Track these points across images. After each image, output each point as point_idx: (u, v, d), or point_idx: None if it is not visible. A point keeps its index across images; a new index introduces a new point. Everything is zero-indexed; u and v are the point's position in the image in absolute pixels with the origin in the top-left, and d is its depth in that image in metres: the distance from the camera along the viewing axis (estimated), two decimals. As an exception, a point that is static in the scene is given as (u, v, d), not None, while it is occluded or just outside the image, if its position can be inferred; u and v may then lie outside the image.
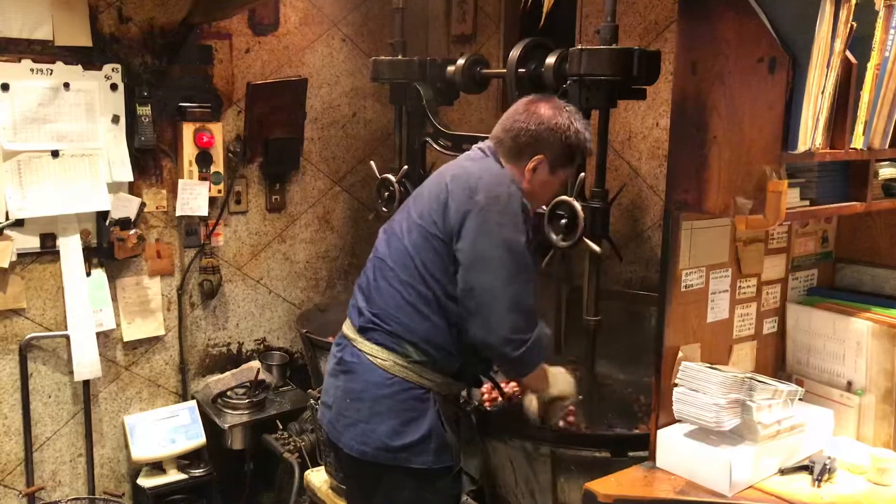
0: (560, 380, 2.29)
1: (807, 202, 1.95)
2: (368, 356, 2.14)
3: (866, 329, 2.15)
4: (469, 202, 2.05)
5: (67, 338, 3.27)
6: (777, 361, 2.39)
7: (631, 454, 2.21)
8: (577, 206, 2.44)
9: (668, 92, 2.90)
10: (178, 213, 3.44)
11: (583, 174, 2.48)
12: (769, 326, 2.35)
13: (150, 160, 3.41)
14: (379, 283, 2.17)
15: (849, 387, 2.20)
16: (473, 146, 2.31)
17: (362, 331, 2.17)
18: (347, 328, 2.24)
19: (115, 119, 3.28)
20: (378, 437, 2.09)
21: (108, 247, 3.31)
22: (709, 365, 2.00)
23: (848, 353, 2.20)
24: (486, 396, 2.62)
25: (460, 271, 2.04)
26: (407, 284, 2.11)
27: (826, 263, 2.48)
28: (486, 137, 2.91)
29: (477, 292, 2.02)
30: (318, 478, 3.01)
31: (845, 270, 2.46)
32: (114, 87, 3.26)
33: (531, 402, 2.32)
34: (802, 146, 1.76)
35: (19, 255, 3.16)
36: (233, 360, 3.76)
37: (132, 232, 3.31)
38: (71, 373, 3.29)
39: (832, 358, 2.24)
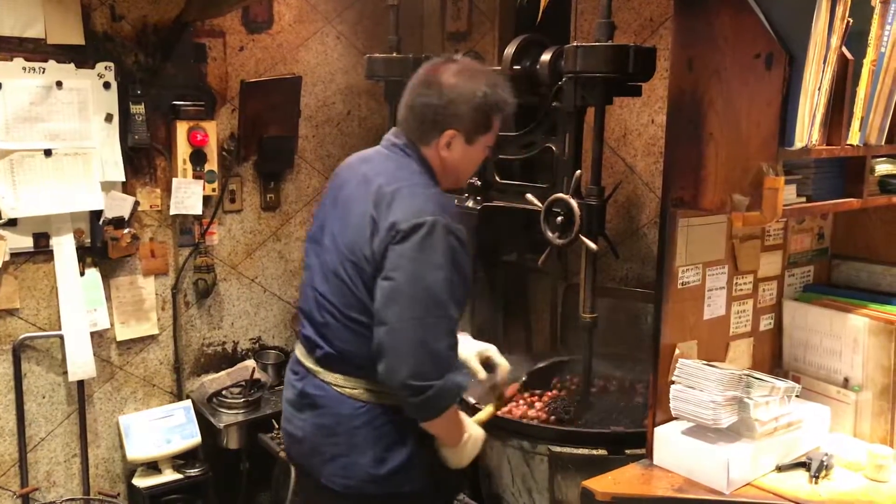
0: (469, 448, 2.12)
1: (803, 199, 1.94)
2: (335, 387, 2.03)
3: (863, 325, 2.15)
4: (389, 232, 1.90)
5: (61, 338, 3.25)
6: (774, 358, 2.39)
7: (628, 452, 2.21)
8: (574, 203, 2.44)
9: (663, 88, 2.90)
10: (172, 212, 3.42)
11: (579, 171, 2.48)
12: (766, 323, 2.35)
13: (144, 159, 3.40)
14: (328, 320, 2.03)
15: (845, 383, 2.20)
16: (387, 138, 2.14)
17: (323, 362, 2.06)
18: (304, 357, 2.12)
19: (109, 118, 3.26)
20: (362, 469, 2.00)
21: (101, 246, 3.29)
22: (706, 362, 2.00)
23: (844, 349, 2.20)
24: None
25: (376, 307, 1.91)
26: (354, 321, 1.99)
27: (822, 260, 2.48)
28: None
29: (383, 329, 1.88)
30: (314, 477, 3.00)
31: (841, 267, 2.46)
32: (107, 85, 3.24)
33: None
34: (799, 142, 1.76)
35: (12, 254, 3.14)
36: (228, 359, 3.75)
37: (126, 231, 3.29)
38: (65, 373, 3.28)
39: (829, 354, 2.24)
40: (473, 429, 2.13)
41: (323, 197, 2.22)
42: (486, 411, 2.31)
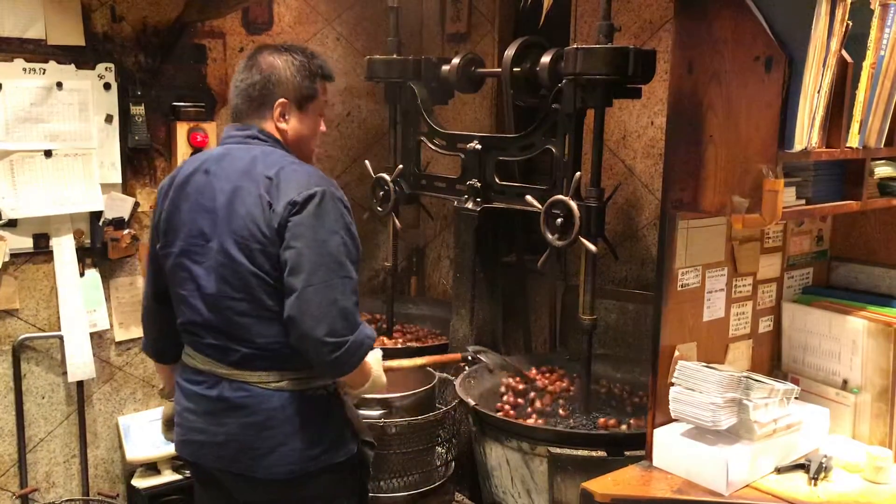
0: (375, 382, 2.20)
1: (803, 201, 1.95)
2: (260, 385, 2.05)
3: (862, 327, 2.15)
4: (286, 207, 1.97)
5: (61, 338, 3.25)
6: (773, 360, 2.39)
7: (627, 453, 2.22)
8: (573, 205, 2.45)
9: (663, 91, 2.91)
10: (172, 213, 3.42)
11: (578, 173, 2.48)
12: (765, 325, 2.36)
13: (144, 160, 3.40)
14: (242, 321, 2.04)
15: (844, 385, 2.20)
16: (233, 134, 2.16)
17: (241, 365, 2.06)
18: (210, 365, 2.10)
19: (109, 118, 3.26)
20: (301, 452, 2.06)
21: (101, 247, 3.29)
22: (705, 364, 2.00)
23: (843, 351, 2.20)
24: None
25: (284, 278, 1.97)
26: (260, 306, 2.02)
27: (821, 262, 2.48)
28: (481, 136, 2.94)
29: (293, 296, 1.94)
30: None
31: (840, 269, 2.47)
32: (107, 86, 3.25)
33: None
34: (799, 145, 1.77)
35: (12, 255, 3.14)
36: (227, 360, 3.75)
37: (126, 232, 3.29)
38: (64, 373, 3.28)
39: (828, 356, 2.25)
40: (377, 372, 2.20)
41: (162, 213, 2.16)
42: (407, 362, 2.50)
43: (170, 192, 2.16)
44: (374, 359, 2.19)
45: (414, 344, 3.36)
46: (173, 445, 2.45)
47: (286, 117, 2.13)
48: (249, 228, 2.00)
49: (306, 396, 2.08)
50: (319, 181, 2.03)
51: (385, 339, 3.40)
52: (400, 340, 3.40)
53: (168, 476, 3.37)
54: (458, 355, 2.75)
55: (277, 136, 2.15)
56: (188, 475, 3.37)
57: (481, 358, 2.74)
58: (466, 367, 2.77)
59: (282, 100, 2.11)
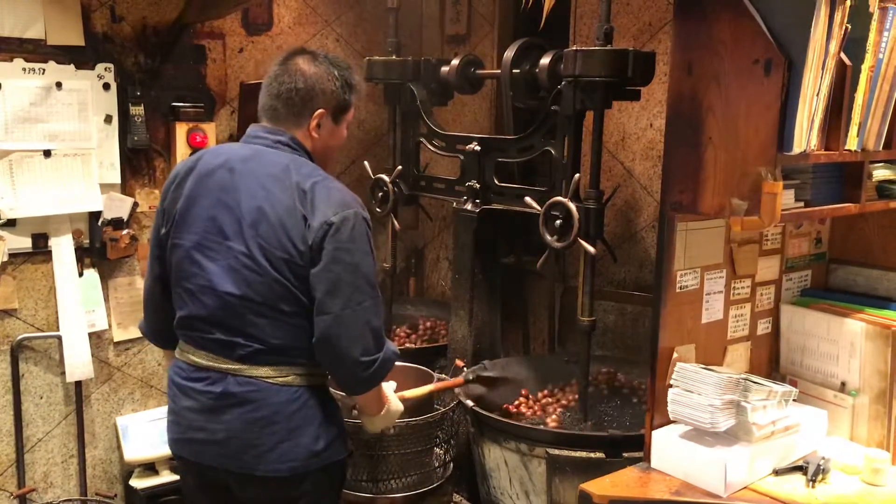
0: (391, 412, 2.30)
1: (801, 203, 1.95)
2: (266, 380, 2.07)
3: (860, 330, 2.15)
4: (323, 227, 2.00)
5: (59, 338, 3.25)
6: (771, 362, 2.39)
7: (626, 455, 2.22)
8: (572, 206, 2.45)
9: (662, 93, 2.92)
10: (171, 214, 3.42)
11: (577, 175, 2.49)
12: (763, 327, 2.36)
13: (143, 160, 3.40)
14: (254, 320, 2.05)
15: (842, 387, 2.21)
16: (263, 136, 2.15)
17: (248, 360, 2.07)
18: (214, 361, 2.10)
19: (108, 119, 3.27)
20: (305, 448, 2.08)
21: (100, 247, 3.28)
22: (704, 366, 2.01)
23: (842, 353, 2.20)
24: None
25: (318, 297, 2.01)
26: (285, 314, 2.05)
27: (819, 264, 2.49)
28: (480, 137, 2.94)
29: (328, 318, 2.00)
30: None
31: (839, 271, 2.47)
32: (106, 86, 3.25)
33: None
34: (798, 148, 1.77)
35: (11, 255, 3.14)
36: (226, 360, 3.75)
37: (125, 232, 3.29)
38: (63, 373, 3.28)
39: (826, 359, 2.25)
40: (393, 399, 2.31)
41: (178, 200, 2.14)
42: (419, 391, 2.58)
43: (187, 180, 2.13)
44: (389, 388, 2.28)
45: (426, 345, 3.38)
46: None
47: (320, 127, 2.15)
48: (279, 238, 2.01)
49: (311, 391, 2.10)
50: (352, 202, 2.07)
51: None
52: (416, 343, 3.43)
53: (166, 476, 3.37)
54: (461, 380, 2.76)
55: (307, 145, 2.16)
56: (186, 476, 3.37)
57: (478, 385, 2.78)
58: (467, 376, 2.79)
59: (321, 110, 2.14)
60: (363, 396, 2.17)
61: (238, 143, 2.22)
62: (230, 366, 2.08)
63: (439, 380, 2.83)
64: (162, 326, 2.26)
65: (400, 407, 2.33)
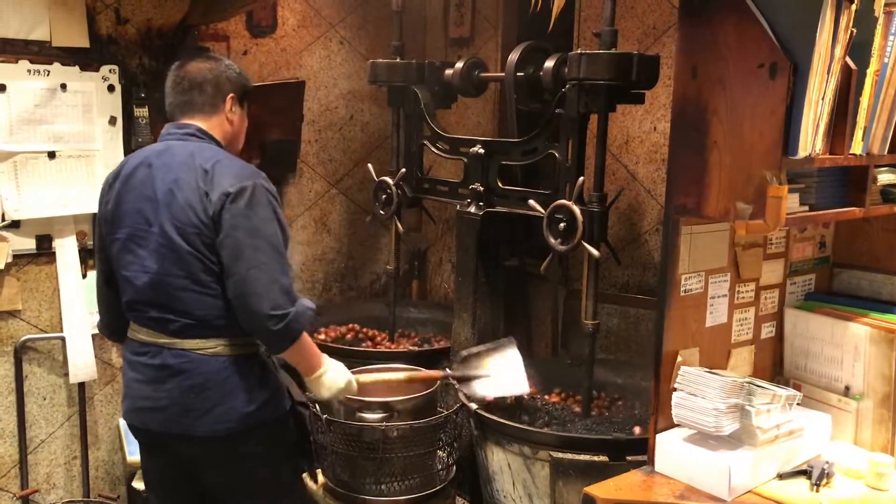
0: (326, 381, 2.43)
1: (806, 207, 1.95)
2: (197, 351, 2.29)
3: (864, 334, 2.15)
4: (220, 198, 2.21)
5: (63, 339, 3.25)
6: (775, 366, 2.39)
7: (629, 458, 2.21)
8: (576, 209, 2.45)
9: (665, 96, 2.91)
10: (174, 215, 3.42)
11: (581, 178, 2.49)
12: (767, 331, 2.36)
13: (147, 162, 3.40)
14: (180, 296, 2.26)
15: (846, 391, 2.20)
16: (172, 132, 2.39)
17: (179, 334, 2.29)
18: (152, 336, 2.32)
19: (113, 120, 3.27)
20: (237, 411, 2.29)
21: (104, 248, 3.29)
22: (708, 369, 2.01)
23: (846, 357, 2.20)
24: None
25: (224, 262, 2.22)
26: (207, 286, 2.25)
27: (823, 268, 2.48)
28: (484, 140, 2.94)
29: (235, 279, 2.20)
30: (314, 481, 3.00)
31: (843, 275, 2.47)
32: (111, 88, 3.26)
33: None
34: (803, 151, 1.77)
35: (15, 256, 3.15)
36: (229, 362, 3.75)
37: (129, 234, 3.29)
38: (66, 375, 3.28)
39: (830, 362, 2.25)
40: (331, 364, 2.45)
41: (108, 203, 2.37)
42: (381, 377, 2.68)
43: (115, 184, 2.37)
44: (337, 364, 2.46)
45: (414, 348, 3.37)
46: None
47: (233, 110, 2.44)
48: (187, 214, 2.23)
49: (240, 360, 2.31)
50: (252, 175, 2.29)
51: (388, 343, 3.41)
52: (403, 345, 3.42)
53: (169, 478, 3.37)
54: (438, 374, 2.76)
55: (217, 132, 2.41)
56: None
57: (458, 387, 2.73)
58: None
59: (232, 94, 2.42)
60: (289, 354, 2.32)
61: (156, 143, 2.46)
62: (165, 340, 2.31)
63: (443, 382, 2.83)
64: (116, 323, 2.48)
65: (341, 383, 2.45)
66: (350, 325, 3.56)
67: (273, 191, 2.32)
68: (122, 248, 2.34)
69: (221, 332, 2.29)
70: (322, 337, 3.43)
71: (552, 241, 2.52)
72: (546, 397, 2.78)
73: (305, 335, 2.31)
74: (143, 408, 2.37)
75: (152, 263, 2.28)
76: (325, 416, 2.64)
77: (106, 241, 2.39)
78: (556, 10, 2.18)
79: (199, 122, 2.40)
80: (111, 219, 2.36)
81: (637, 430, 2.45)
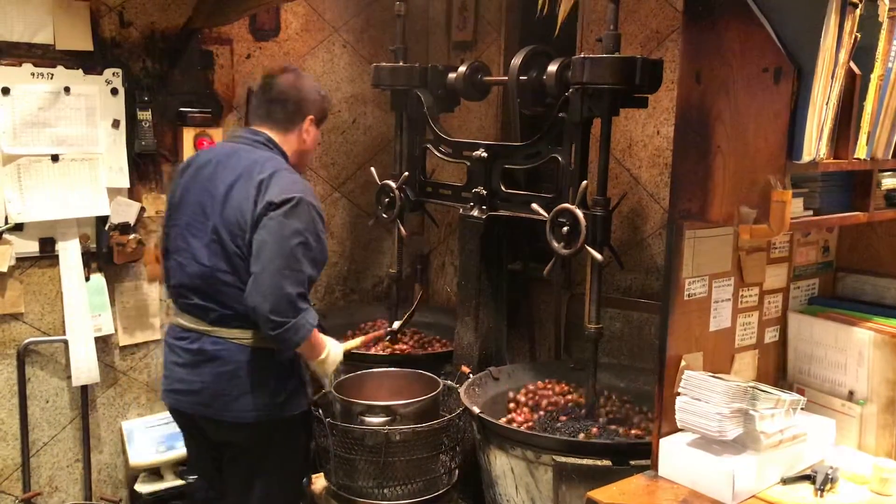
0: (329, 363, 2.62)
1: (810, 212, 1.94)
2: (233, 341, 2.46)
3: (868, 338, 2.15)
4: (266, 205, 2.38)
5: (66, 342, 3.26)
6: (778, 370, 2.39)
7: (633, 463, 2.21)
8: (580, 213, 2.45)
9: (668, 100, 2.91)
10: (177, 218, 3.43)
11: (585, 182, 2.49)
12: (771, 335, 2.35)
13: (150, 165, 3.41)
14: (223, 289, 2.45)
15: (850, 396, 2.20)
16: (245, 136, 2.60)
17: (219, 322, 2.48)
18: (193, 323, 2.51)
19: (116, 123, 3.28)
20: (264, 399, 2.47)
21: (107, 251, 3.30)
22: (711, 374, 2.00)
23: (849, 362, 2.20)
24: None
25: (250, 259, 2.39)
26: (243, 281, 2.40)
27: (827, 273, 2.48)
28: (487, 144, 2.94)
29: (252, 276, 2.36)
30: (317, 484, 3.00)
31: (846, 280, 2.46)
32: (114, 91, 3.26)
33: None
34: (807, 156, 1.76)
35: (18, 259, 3.15)
36: (231, 365, 3.74)
37: (132, 237, 3.30)
38: (69, 378, 3.28)
39: (833, 367, 2.24)
40: (332, 346, 2.62)
41: (177, 190, 2.59)
42: (352, 343, 2.88)
43: (185, 174, 2.58)
44: (333, 342, 2.64)
45: (419, 351, 3.37)
46: (176, 451, 2.71)
47: (308, 132, 2.62)
48: (236, 218, 2.42)
49: (270, 354, 2.46)
50: (301, 189, 2.43)
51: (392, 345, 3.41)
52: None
53: (171, 481, 3.38)
54: (381, 332, 3.25)
55: (287, 147, 2.59)
56: (191, 480, 3.37)
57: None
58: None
59: (311, 116, 2.62)
60: (298, 349, 2.47)
61: (226, 141, 2.66)
62: (206, 327, 2.49)
63: (446, 387, 2.83)
64: None
65: (340, 356, 2.67)
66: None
67: (319, 208, 2.46)
68: (179, 235, 2.53)
69: (254, 326, 2.42)
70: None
71: (555, 244, 2.52)
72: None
73: (313, 334, 2.44)
74: (178, 390, 2.54)
75: (204, 256, 2.46)
76: (327, 419, 2.64)
77: (167, 223, 2.61)
78: (562, 15, 2.18)
79: (272, 134, 2.58)
80: (176, 205, 2.57)
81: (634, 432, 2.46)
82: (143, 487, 3.35)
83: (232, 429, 2.50)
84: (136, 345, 3.47)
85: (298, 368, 2.56)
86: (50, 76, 3.12)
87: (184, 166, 2.63)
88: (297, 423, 2.59)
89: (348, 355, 2.80)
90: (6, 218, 3.08)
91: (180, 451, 3.37)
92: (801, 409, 2.04)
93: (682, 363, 2.07)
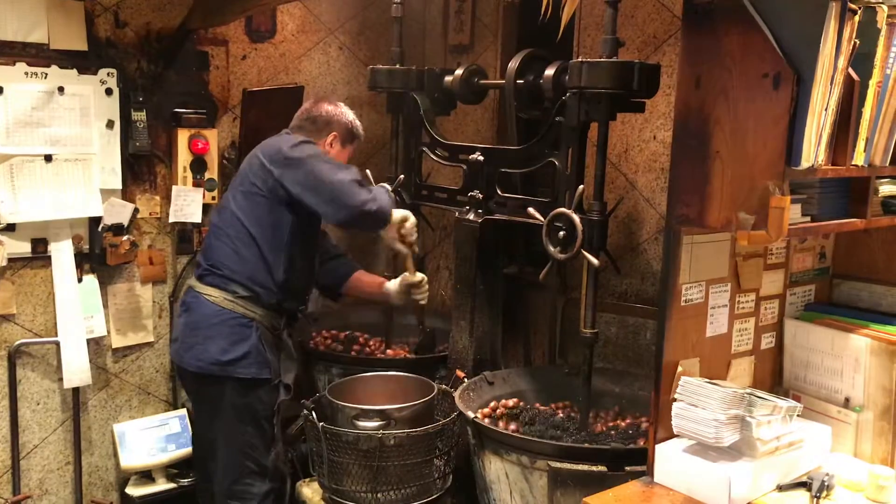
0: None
1: (808, 218, 1.94)
2: (204, 295, 2.74)
3: (864, 345, 2.15)
4: (276, 156, 2.73)
5: (57, 344, 3.23)
6: (774, 377, 2.38)
7: (628, 469, 2.20)
8: (576, 218, 2.44)
9: (665, 105, 2.91)
10: (171, 220, 3.41)
11: (581, 186, 2.48)
12: (767, 341, 2.35)
13: (145, 166, 3.39)
14: (212, 242, 2.79)
15: (846, 403, 2.20)
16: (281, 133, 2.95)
17: (200, 277, 2.79)
18: (191, 280, 2.86)
19: (110, 124, 3.26)
20: (210, 354, 2.70)
21: (100, 253, 3.27)
22: (708, 380, 2.00)
23: (846, 369, 2.19)
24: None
25: (305, 197, 2.68)
26: (233, 237, 2.74)
27: (823, 279, 2.48)
28: (483, 147, 2.94)
29: (323, 195, 2.66)
30: (309, 489, 2.98)
31: (843, 286, 2.46)
32: (109, 91, 3.24)
33: (392, 286, 3.11)
34: (806, 162, 1.76)
35: (10, 260, 3.12)
36: (224, 368, 3.72)
37: (125, 238, 3.28)
38: (60, 380, 3.26)
39: (830, 374, 2.24)
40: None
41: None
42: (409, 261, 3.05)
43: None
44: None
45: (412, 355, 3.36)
46: (168, 454, 2.98)
47: (332, 146, 2.94)
48: (242, 178, 2.80)
49: (232, 315, 2.71)
50: (304, 139, 2.84)
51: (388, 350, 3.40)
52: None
53: (162, 484, 3.36)
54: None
55: None
56: (182, 484, 3.35)
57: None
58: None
59: (335, 133, 2.94)
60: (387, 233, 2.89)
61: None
62: (192, 283, 2.82)
63: (440, 391, 2.82)
64: (312, 284, 3.10)
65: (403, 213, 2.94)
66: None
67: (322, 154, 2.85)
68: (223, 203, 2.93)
69: (227, 287, 2.72)
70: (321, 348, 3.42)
71: (551, 249, 2.52)
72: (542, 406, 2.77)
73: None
74: (172, 339, 3.00)
75: (215, 217, 2.87)
76: (321, 423, 2.62)
77: None
78: (565, 17, 2.17)
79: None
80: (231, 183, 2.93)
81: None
82: (134, 490, 3.32)
83: (190, 379, 2.81)
84: (129, 347, 3.45)
85: (255, 338, 2.72)
86: (44, 76, 3.10)
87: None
88: (255, 389, 2.73)
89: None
90: (-2, 218, 3.05)
91: (172, 453, 3.35)
92: (798, 415, 2.03)
93: (679, 369, 2.07)
